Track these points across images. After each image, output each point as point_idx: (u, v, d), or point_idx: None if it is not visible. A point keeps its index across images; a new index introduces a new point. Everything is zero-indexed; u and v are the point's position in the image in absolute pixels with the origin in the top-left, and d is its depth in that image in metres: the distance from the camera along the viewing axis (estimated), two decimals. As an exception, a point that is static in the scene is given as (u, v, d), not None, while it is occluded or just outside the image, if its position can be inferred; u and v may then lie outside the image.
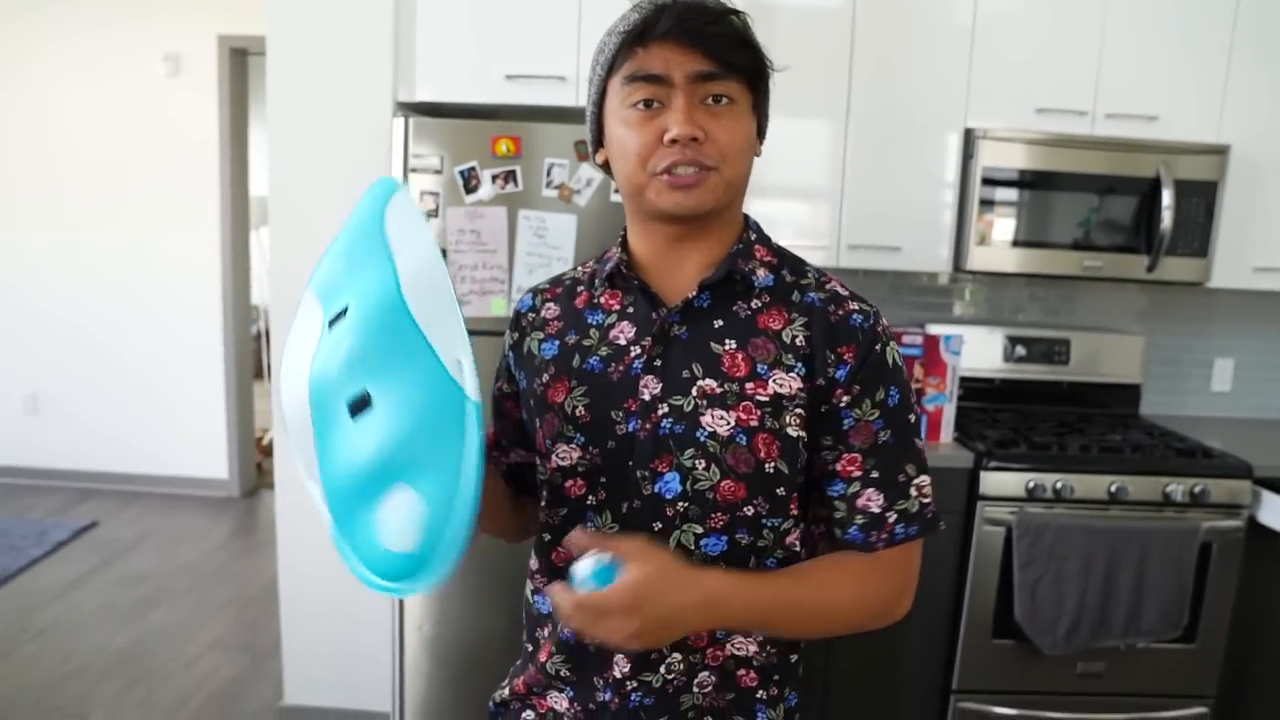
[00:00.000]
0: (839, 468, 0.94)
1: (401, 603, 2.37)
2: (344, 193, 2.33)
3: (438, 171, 2.16)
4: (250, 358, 4.62)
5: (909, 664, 2.42)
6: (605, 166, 0.99)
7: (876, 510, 0.93)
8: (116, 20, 4.17)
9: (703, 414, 0.91)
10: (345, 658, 2.54)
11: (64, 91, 4.25)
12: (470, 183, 2.16)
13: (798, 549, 0.97)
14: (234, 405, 4.45)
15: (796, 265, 1.01)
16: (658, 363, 0.94)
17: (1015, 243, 2.50)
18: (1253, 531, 2.33)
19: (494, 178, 2.16)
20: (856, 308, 0.96)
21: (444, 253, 2.19)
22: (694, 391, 0.92)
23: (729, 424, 0.91)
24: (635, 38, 0.90)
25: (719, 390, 0.92)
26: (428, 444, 0.66)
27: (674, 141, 0.89)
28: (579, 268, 1.08)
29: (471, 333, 0.82)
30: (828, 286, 0.98)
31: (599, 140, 0.98)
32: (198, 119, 4.23)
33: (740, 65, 0.91)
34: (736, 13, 0.92)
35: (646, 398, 0.93)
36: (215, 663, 2.92)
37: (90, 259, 4.37)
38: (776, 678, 0.99)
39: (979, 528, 2.30)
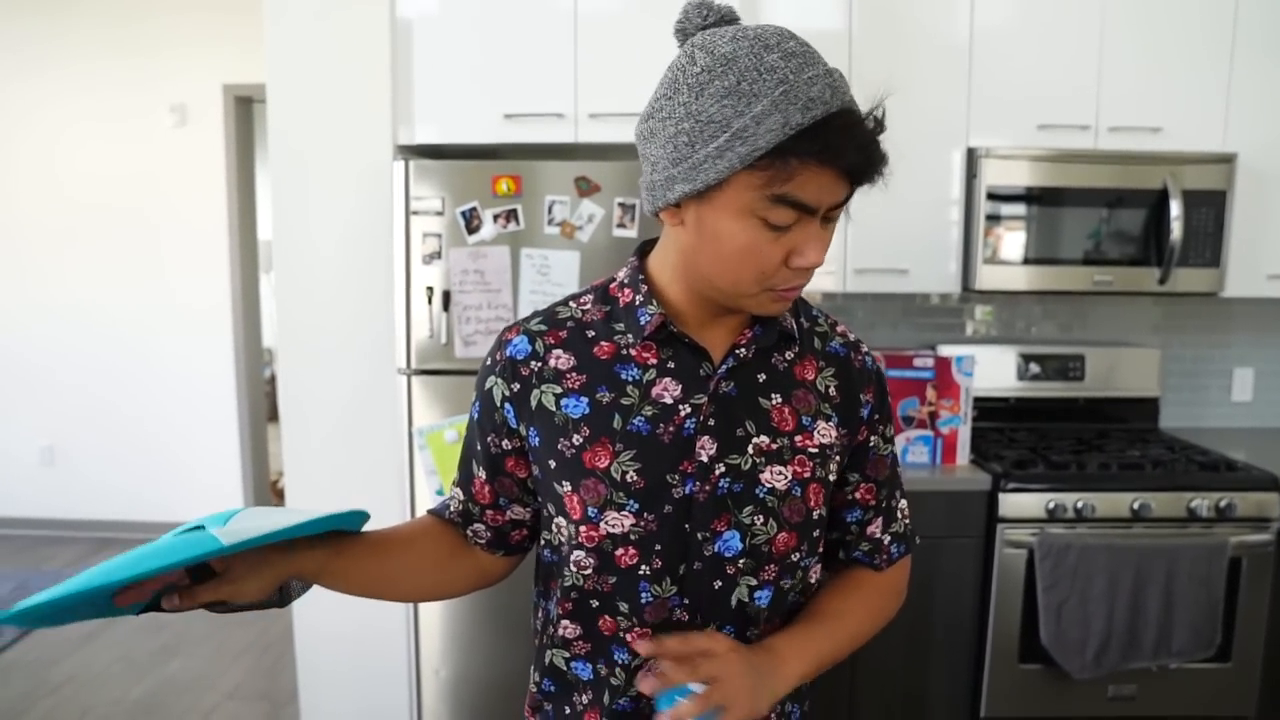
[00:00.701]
0: (858, 496, 1.01)
1: (418, 647, 2.35)
2: (346, 236, 2.37)
3: (439, 213, 2.17)
4: (263, 401, 4.63)
5: (935, 692, 2.37)
6: (654, 213, 0.89)
7: (879, 535, 1.03)
8: (123, 73, 4.22)
9: (761, 471, 0.91)
10: (363, 704, 2.51)
11: (73, 145, 4.31)
12: (472, 223, 2.17)
13: (812, 580, 0.99)
14: (248, 450, 4.46)
15: (803, 306, 1.01)
16: (711, 422, 0.90)
17: (1024, 260, 2.48)
18: (1283, 545, 2.28)
19: (495, 217, 2.16)
20: (866, 350, 1.03)
21: (447, 295, 2.19)
22: (750, 449, 0.91)
23: (786, 478, 0.92)
24: (812, 155, 0.77)
25: (774, 446, 0.92)
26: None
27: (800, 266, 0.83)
28: (570, 303, 0.98)
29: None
30: (839, 330, 1.02)
31: (677, 200, 0.84)
32: (205, 167, 4.26)
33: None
34: (883, 126, 0.82)
35: (704, 459, 0.90)
36: (233, 712, 2.89)
37: (102, 310, 4.40)
38: None
39: (1000, 551, 2.26)
